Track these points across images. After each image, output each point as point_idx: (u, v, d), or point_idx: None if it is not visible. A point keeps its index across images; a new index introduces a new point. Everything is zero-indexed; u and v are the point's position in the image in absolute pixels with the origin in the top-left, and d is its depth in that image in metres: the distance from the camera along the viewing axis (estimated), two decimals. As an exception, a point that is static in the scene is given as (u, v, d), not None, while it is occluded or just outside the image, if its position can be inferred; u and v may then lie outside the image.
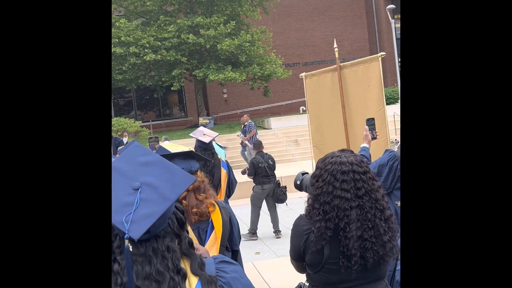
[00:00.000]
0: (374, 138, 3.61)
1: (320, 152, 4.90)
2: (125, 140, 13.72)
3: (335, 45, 4.97)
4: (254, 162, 7.01)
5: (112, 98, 24.26)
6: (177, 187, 1.17)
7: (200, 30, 19.04)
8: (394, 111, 14.32)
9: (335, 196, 1.81)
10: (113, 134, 14.48)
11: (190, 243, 1.20)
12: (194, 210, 2.14)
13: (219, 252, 2.29)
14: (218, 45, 18.82)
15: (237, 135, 14.30)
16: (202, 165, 3.68)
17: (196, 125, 21.28)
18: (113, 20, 18.97)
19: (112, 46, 18.78)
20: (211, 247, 2.27)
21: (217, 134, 4.77)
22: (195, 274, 1.15)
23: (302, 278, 2.08)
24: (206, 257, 1.27)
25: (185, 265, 1.17)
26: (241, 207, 7.31)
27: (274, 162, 7.23)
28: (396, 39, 21.68)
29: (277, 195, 7.03)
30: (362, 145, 3.50)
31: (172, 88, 20.12)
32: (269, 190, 7.04)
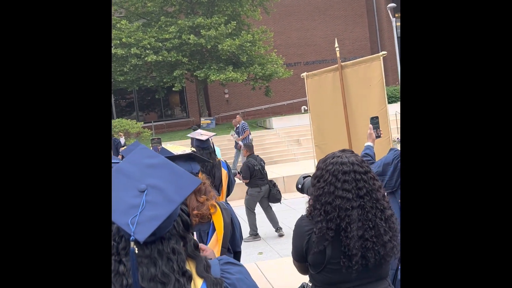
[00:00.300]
0: (378, 136, 3.61)
1: (322, 152, 4.91)
2: (122, 140, 13.69)
3: (336, 45, 4.97)
4: (249, 165, 6.94)
5: (113, 99, 24.31)
6: (183, 189, 1.18)
7: (201, 31, 19.04)
8: (396, 110, 14.28)
9: (336, 196, 1.82)
10: (120, 134, 14.46)
11: (196, 245, 1.21)
12: (195, 212, 2.14)
13: (221, 254, 2.29)
14: (219, 46, 18.82)
15: (231, 135, 14.20)
16: (201, 165, 3.69)
17: (198, 126, 21.29)
18: (114, 22, 18.99)
19: (113, 47, 18.81)
20: (213, 249, 2.27)
21: (214, 134, 4.83)
22: (200, 276, 1.16)
23: (305, 278, 2.09)
24: (211, 258, 1.28)
25: (190, 267, 1.18)
26: (242, 208, 7.29)
27: (264, 163, 7.29)
28: (397, 37, 21.66)
29: (274, 195, 7.06)
30: (366, 144, 3.50)
31: (173, 89, 20.12)
32: (265, 192, 7.05)
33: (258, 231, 7.14)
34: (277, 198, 7.08)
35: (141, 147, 1.36)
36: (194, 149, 4.21)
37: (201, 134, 4.59)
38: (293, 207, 8.75)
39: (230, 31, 19.13)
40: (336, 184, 1.84)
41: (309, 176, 2.30)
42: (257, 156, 7.34)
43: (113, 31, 18.51)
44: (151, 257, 1.12)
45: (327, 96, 5.00)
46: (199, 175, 2.27)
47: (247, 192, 7.10)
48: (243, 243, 6.67)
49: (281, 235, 6.95)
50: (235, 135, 13.69)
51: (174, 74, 19.35)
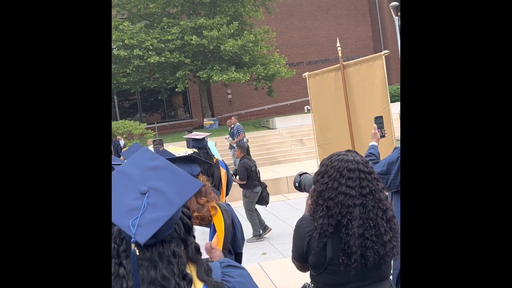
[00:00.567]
0: (382, 136, 3.59)
1: (324, 151, 4.89)
2: (121, 143, 13.75)
3: (338, 44, 4.96)
4: (247, 167, 6.93)
5: (117, 101, 24.38)
6: (184, 192, 1.18)
7: (203, 31, 19.06)
8: (399, 109, 14.25)
9: (339, 193, 1.82)
10: (119, 138, 14.54)
11: (197, 249, 1.20)
12: (195, 214, 2.13)
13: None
14: (221, 46, 18.84)
15: (225, 138, 14.18)
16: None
17: (201, 126, 21.32)
18: (116, 23, 19.05)
19: (116, 49, 18.86)
20: None
21: (209, 133, 5.01)
22: (201, 279, 1.15)
23: (308, 278, 2.08)
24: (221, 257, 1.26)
25: (191, 270, 1.17)
26: (243, 208, 7.28)
27: (256, 164, 7.34)
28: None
29: (264, 197, 7.10)
30: (370, 144, 3.48)
31: (176, 90, 20.18)
32: (259, 193, 7.07)
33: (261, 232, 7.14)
34: (266, 201, 7.14)
35: (143, 149, 1.36)
36: (196, 150, 4.24)
37: (196, 134, 4.69)
38: (296, 207, 8.74)
39: (232, 31, 19.15)
40: (340, 180, 1.84)
41: (305, 173, 2.29)
42: (250, 157, 7.37)
43: (116, 33, 18.56)
44: (151, 260, 1.11)
45: (329, 95, 4.98)
46: (200, 176, 2.27)
47: (245, 195, 7.05)
48: (246, 244, 6.69)
49: (255, 235, 6.98)
50: (230, 137, 13.69)
51: (177, 75, 19.39)
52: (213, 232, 2.29)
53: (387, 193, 2.03)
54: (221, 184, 4.46)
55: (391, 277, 2.93)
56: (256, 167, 7.09)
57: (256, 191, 6.99)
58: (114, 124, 16.44)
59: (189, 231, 1.21)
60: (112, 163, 2.27)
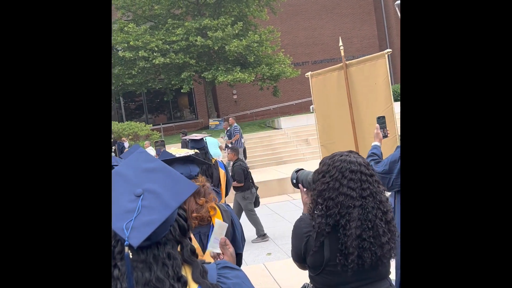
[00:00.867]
0: (385, 136, 3.58)
1: (327, 151, 4.88)
2: (126, 144, 13.90)
3: (340, 43, 4.94)
4: (244, 168, 6.90)
5: (122, 102, 24.49)
6: (179, 195, 1.18)
7: (208, 32, 19.09)
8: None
9: (340, 193, 1.82)
10: (124, 139, 14.63)
11: (192, 251, 1.20)
12: (194, 214, 2.13)
13: None
14: (226, 47, 18.85)
15: (221, 137, 14.15)
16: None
17: (206, 127, 21.35)
18: (121, 25, 19.13)
19: (121, 50, 18.96)
20: None
21: (208, 134, 5.02)
22: (196, 281, 1.15)
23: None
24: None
25: (186, 272, 1.17)
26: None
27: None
28: (405, 34, 21.47)
29: (257, 199, 7.11)
30: (373, 143, 3.47)
31: (182, 91, 20.21)
32: (255, 194, 7.08)
33: (266, 233, 7.14)
34: (258, 202, 7.14)
35: (139, 151, 1.36)
36: (197, 150, 4.24)
37: (194, 135, 4.71)
38: (301, 207, 8.71)
39: (237, 31, 19.16)
40: (342, 181, 1.83)
41: (302, 169, 2.28)
42: (246, 158, 7.40)
43: (121, 35, 18.65)
44: (146, 262, 1.12)
45: (332, 95, 4.97)
46: (199, 177, 2.26)
47: (243, 197, 6.98)
48: (252, 244, 6.67)
49: (260, 235, 6.96)
50: (226, 137, 13.66)
51: (182, 76, 19.44)
52: None
53: (388, 194, 2.02)
54: (220, 185, 4.46)
55: (393, 276, 2.91)
56: (248, 169, 7.11)
57: (253, 191, 7.00)
58: (119, 125, 16.52)
59: (184, 233, 1.21)
60: (113, 163, 2.27)
